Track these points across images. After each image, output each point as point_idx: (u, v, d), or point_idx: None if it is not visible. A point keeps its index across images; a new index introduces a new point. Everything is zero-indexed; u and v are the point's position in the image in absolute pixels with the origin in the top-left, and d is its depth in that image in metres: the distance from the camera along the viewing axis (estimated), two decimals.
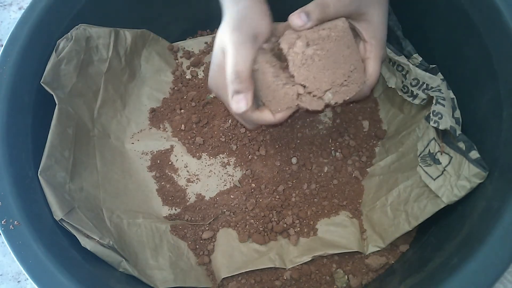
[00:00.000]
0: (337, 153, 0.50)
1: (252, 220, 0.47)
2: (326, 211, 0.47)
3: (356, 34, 0.38)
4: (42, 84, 0.41)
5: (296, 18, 0.35)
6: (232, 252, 0.45)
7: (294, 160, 0.50)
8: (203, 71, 0.56)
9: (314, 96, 0.35)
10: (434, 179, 0.41)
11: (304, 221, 0.47)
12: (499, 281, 0.31)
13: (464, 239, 0.35)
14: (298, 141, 0.51)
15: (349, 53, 0.36)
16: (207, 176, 0.50)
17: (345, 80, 0.36)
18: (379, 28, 0.38)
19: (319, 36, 0.35)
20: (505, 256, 0.31)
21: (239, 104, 0.35)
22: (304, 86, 0.35)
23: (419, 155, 0.44)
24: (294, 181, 0.49)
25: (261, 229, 0.46)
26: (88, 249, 0.37)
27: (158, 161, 0.50)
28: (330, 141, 0.51)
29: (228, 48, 0.35)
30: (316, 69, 0.35)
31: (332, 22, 0.36)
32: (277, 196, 0.48)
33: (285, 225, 0.46)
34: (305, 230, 0.46)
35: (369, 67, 0.38)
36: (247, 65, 0.35)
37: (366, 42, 0.38)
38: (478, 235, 0.33)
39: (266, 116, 0.37)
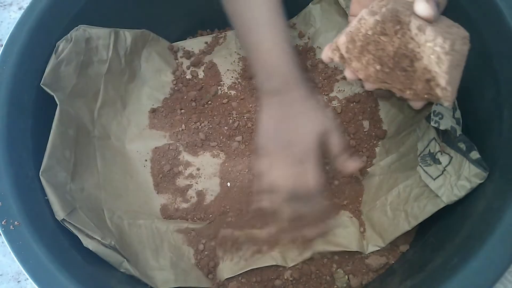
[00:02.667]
0: None
1: (253, 220, 0.47)
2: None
3: None
4: (42, 86, 0.41)
5: (428, 7, 0.29)
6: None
7: None
8: (203, 71, 0.56)
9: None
10: (434, 179, 0.41)
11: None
12: (500, 281, 0.31)
13: (464, 239, 0.35)
14: None
15: (450, 70, 0.30)
16: (208, 176, 0.50)
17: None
18: None
19: (463, 35, 0.30)
20: (505, 256, 0.31)
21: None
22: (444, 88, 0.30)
23: (419, 155, 0.44)
24: None
25: (263, 228, 0.46)
26: (90, 249, 0.37)
27: (159, 162, 0.50)
28: None
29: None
30: (456, 73, 0.30)
31: (453, 24, 0.32)
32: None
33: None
34: None
35: None
36: None
37: None
38: (479, 235, 0.33)
39: None
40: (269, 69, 0.41)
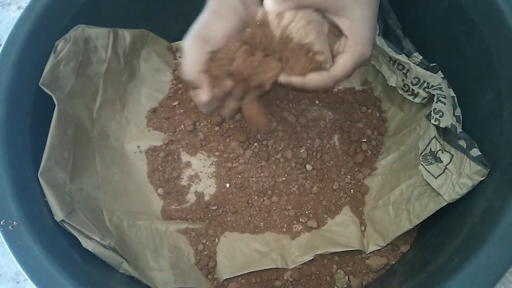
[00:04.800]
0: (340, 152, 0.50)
1: (254, 220, 0.47)
2: (328, 210, 0.47)
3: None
4: (40, 85, 0.41)
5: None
6: (234, 253, 0.45)
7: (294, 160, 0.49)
8: None
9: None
10: (436, 178, 0.41)
11: (306, 219, 0.47)
12: (500, 282, 0.31)
13: (465, 240, 0.35)
14: (300, 140, 0.51)
15: (318, 37, 0.36)
16: (208, 176, 0.50)
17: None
18: (361, 25, 0.37)
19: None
20: (506, 256, 0.31)
21: (197, 97, 0.38)
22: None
23: (421, 153, 0.43)
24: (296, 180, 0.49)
25: (263, 228, 0.46)
26: (90, 250, 0.37)
27: (158, 162, 0.50)
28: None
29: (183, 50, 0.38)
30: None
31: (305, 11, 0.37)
32: (280, 195, 0.48)
33: (286, 221, 0.46)
34: (307, 228, 0.46)
35: (339, 60, 0.37)
36: (191, 66, 0.37)
37: (346, 37, 0.37)
38: (479, 235, 0.33)
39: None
40: None
